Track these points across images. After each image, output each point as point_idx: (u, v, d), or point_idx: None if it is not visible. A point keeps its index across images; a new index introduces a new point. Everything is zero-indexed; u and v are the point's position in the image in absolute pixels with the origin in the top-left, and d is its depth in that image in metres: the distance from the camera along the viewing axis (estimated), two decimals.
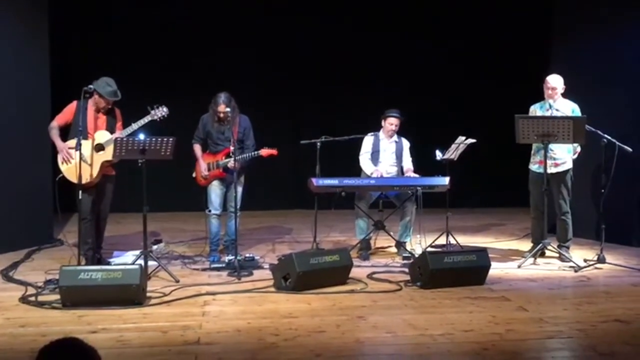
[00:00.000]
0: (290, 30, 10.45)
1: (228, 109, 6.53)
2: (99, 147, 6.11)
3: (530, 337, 4.49)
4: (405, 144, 7.33)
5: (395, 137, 7.25)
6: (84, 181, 5.95)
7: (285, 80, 10.49)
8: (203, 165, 6.74)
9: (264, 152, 6.74)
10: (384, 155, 7.21)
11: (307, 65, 10.50)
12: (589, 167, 7.58)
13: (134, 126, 6.11)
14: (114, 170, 6.40)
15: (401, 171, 7.26)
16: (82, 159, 5.96)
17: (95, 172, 6.10)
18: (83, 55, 9.83)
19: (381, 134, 7.25)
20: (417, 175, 7.03)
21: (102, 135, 6.15)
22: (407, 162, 7.29)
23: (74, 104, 6.18)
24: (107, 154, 6.07)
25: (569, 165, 6.94)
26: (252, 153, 6.71)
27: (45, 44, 7.84)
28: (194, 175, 6.88)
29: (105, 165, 6.16)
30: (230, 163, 6.56)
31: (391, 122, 7.16)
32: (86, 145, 6.04)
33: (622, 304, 5.28)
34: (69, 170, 6.09)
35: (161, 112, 6.21)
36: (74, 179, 5.96)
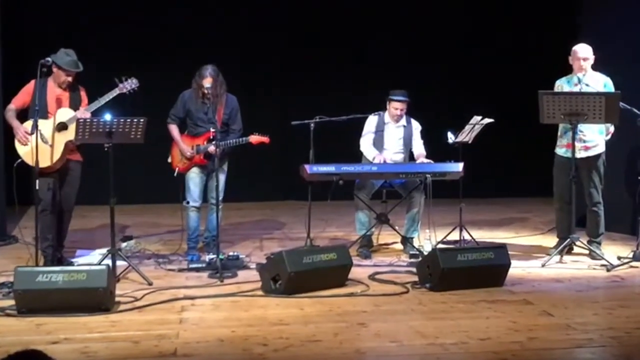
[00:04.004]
0: None
1: (215, 84, 6.51)
2: (62, 126, 6.11)
3: (556, 346, 4.51)
4: (416, 127, 7.29)
5: (403, 121, 7.21)
6: (43, 165, 5.94)
7: (275, 51, 10.46)
8: (184, 147, 6.72)
9: (254, 139, 6.73)
10: (390, 140, 7.19)
11: (300, 36, 10.48)
12: (623, 150, 7.60)
13: (101, 100, 6.14)
14: (81, 155, 6.39)
15: (411, 158, 7.25)
16: (43, 140, 5.95)
17: (57, 155, 6.10)
18: (39, 27, 9.77)
19: (386, 116, 7.23)
20: (430, 161, 7.02)
21: (65, 113, 6.15)
22: (419, 147, 7.27)
23: (32, 83, 6.18)
24: (71, 133, 6.08)
25: (601, 148, 6.95)
26: (240, 139, 6.70)
27: None
28: (169, 160, 6.88)
29: (69, 146, 6.16)
30: (211, 148, 6.55)
31: (396, 107, 7.12)
32: (47, 125, 6.04)
33: None
34: (28, 153, 6.07)
35: (130, 84, 6.23)
36: (33, 162, 5.96)
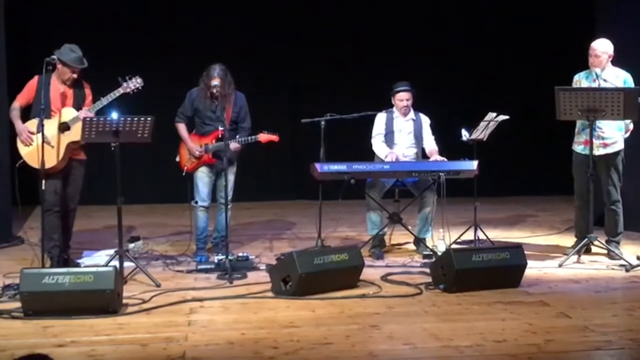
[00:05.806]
0: None
1: (223, 83, 6.53)
2: (64, 127, 6.13)
3: (574, 349, 4.50)
4: (425, 120, 7.31)
5: (412, 114, 7.22)
6: (47, 166, 5.96)
7: (283, 48, 10.46)
8: (193, 145, 6.74)
9: (263, 137, 6.75)
10: (400, 136, 7.20)
11: (309, 31, 10.47)
12: None
13: (104, 101, 6.16)
14: (84, 154, 6.42)
15: (423, 154, 7.25)
16: (45, 141, 5.97)
17: (60, 156, 6.13)
18: (43, 24, 9.80)
19: (395, 111, 7.23)
20: (443, 159, 7.01)
21: (68, 113, 6.17)
22: (430, 143, 7.27)
23: (35, 79, 6.21)
24: (74, 134, 6.10)
25: (619, 145, 6.92)
26: (249, 138, 6.72)
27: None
28: (177, 159, 6.90)
29: (71, 147, 6.19)
30: (234, 145, 6.56)
31: (401, 98, 7.14)
32: (50, 125, 6.05)
33: None
34: (30, 154, 6.11)
35: (134, 83, 6.24)
36: (36, 164, 5.99)
